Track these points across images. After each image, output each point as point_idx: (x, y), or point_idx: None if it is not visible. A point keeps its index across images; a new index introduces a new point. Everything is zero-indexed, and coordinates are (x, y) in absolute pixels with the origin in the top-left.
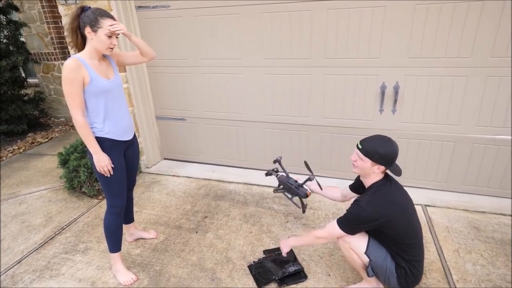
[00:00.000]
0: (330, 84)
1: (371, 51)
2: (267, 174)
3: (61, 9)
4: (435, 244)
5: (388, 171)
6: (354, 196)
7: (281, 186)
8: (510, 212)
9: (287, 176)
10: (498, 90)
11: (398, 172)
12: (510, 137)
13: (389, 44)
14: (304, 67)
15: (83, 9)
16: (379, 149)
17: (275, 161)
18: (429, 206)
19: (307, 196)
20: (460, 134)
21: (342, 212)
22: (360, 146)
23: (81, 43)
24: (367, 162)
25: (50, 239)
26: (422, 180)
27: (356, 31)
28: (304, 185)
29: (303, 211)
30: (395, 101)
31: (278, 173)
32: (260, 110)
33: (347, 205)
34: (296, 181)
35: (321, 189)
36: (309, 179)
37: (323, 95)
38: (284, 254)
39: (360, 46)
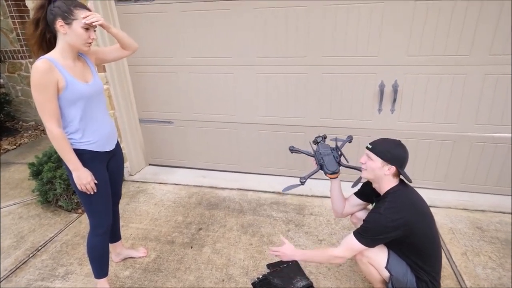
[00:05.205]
0: (328, 83)
1: (369, 49)
2: (314, 142)
3: (29, 3)
4: (443, 248)
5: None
6: (360, 203)
7: (319, 153)
8: (510, 210)
9: (336, 148)
10: (496, 88)
11: (409, 178)
12: (509, 134)
13: (388, 42)
14: (300, 66)
15: (50, 0)
16: (391, 149)
17: (316, 142)
18: (430, 206)
19: (335, 173)
20: (459, 132)
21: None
22: (370, 146)
23: (46, 42)
24: (377, 161)
25: (23, 263)
26: (421, 180)
27: (355, 28)
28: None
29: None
30: (394, 100)
31: (321, 142)
32: (253, 111)
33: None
34: (340, 156)
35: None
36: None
37: (320, 95)
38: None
39: (358, 44)
